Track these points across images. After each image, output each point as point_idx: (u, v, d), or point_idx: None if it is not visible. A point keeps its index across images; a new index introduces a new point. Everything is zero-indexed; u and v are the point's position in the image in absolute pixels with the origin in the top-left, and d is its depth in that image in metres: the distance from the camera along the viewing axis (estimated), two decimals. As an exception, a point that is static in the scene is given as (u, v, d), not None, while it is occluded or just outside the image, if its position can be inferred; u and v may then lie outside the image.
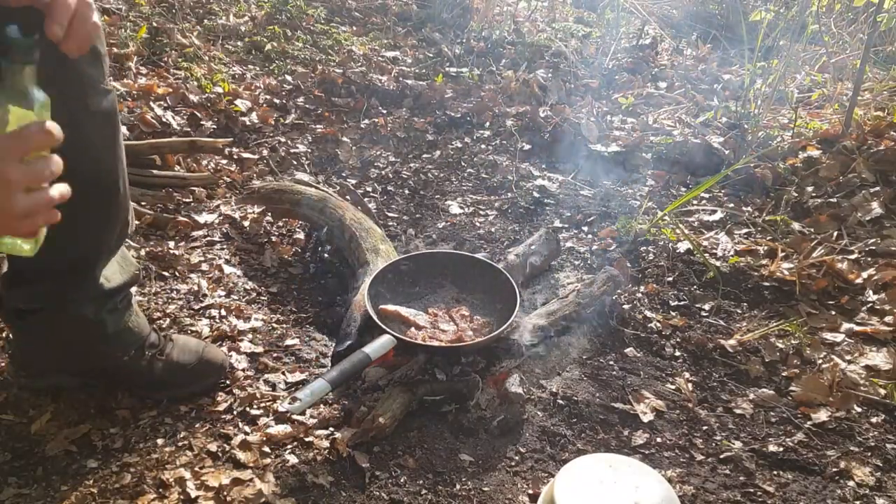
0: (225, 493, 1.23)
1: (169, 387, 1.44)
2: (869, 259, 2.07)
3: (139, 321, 1.40)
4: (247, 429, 1.39)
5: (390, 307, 1.64)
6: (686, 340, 1.79)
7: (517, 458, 1.40)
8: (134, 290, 1.47)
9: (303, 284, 1.95)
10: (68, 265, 1.25)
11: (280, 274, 1.97)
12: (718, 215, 2.39)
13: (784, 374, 1.68)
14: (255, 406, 1.45)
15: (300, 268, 2.02)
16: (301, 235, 2.16)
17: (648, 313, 1.88)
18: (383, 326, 1.52)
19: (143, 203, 2.09)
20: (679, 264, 2.11)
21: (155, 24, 3.09)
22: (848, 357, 1.72)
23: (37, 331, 1.32)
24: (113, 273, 1.32)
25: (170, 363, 1.43)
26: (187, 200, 2.21)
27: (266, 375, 1.55)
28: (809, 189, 2.47)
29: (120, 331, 1.35)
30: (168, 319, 1.67)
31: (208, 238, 2.05)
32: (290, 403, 1.28)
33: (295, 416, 1.42)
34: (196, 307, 1.74)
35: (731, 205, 2.47)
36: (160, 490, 1.23)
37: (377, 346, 1.44)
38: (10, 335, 1.43)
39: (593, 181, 2.69)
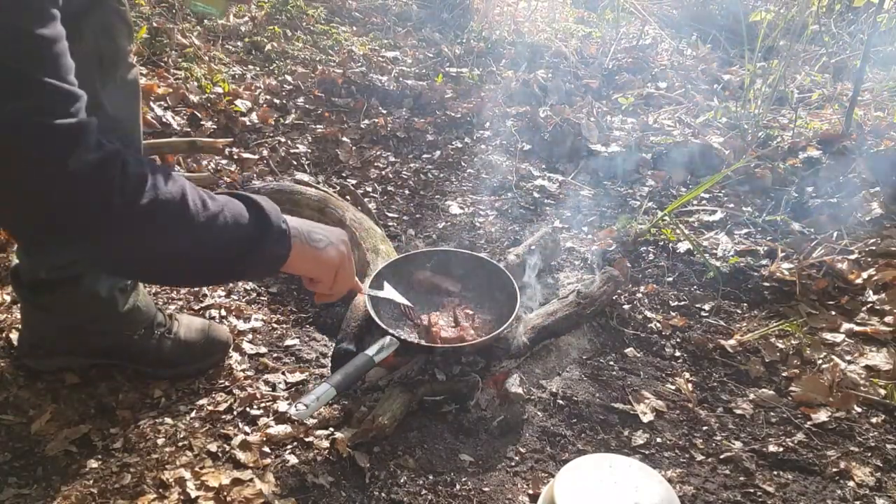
0: (225, 493, 1.23)
1: (176, 364, 1.48)
2: (869, 259, 2.07)
3: (147, 301, 1.46)
4: (247, 429, 1.39)
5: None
6: (686, 340, 1.79)
7: (517, 458, 1.40)
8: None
9: (303, 284, 1.94)
10: None
11: (280, 274, 1.97)
12: (718, 215, 2.39)
13: (784, 374, 1.68)
14: (255, 406, 1.45)
15: (300, 268, 2.02)
16: (301, 235, 2.16)
17: (648, 313, 1.88)
18: (384, 327, 1.52)
19: (143, 203, 2.08)
20: (679, 264, 2.11)
21: (155, 24, 3.09)
22: (848, 357, 1.72)
23: (51, 309, 1.35)
24: None
25: (178, 341, 1.48)
26: (187, 200, 2.20)
27: (266, 375, 1.55)
28: (809, 189, 2.47)
29: (130, 309, 1.41)
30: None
31: (208, 238, 2.05)
32: (296, 409, 1.28)
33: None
34: (196, 307, 1.74)
35: (731, 205, 2.46)
36: (160, 490, 1.23)
37: (380, 349, 1.44)
38: (22, 315, 1.45)
39: (593, 181, 2.69)
